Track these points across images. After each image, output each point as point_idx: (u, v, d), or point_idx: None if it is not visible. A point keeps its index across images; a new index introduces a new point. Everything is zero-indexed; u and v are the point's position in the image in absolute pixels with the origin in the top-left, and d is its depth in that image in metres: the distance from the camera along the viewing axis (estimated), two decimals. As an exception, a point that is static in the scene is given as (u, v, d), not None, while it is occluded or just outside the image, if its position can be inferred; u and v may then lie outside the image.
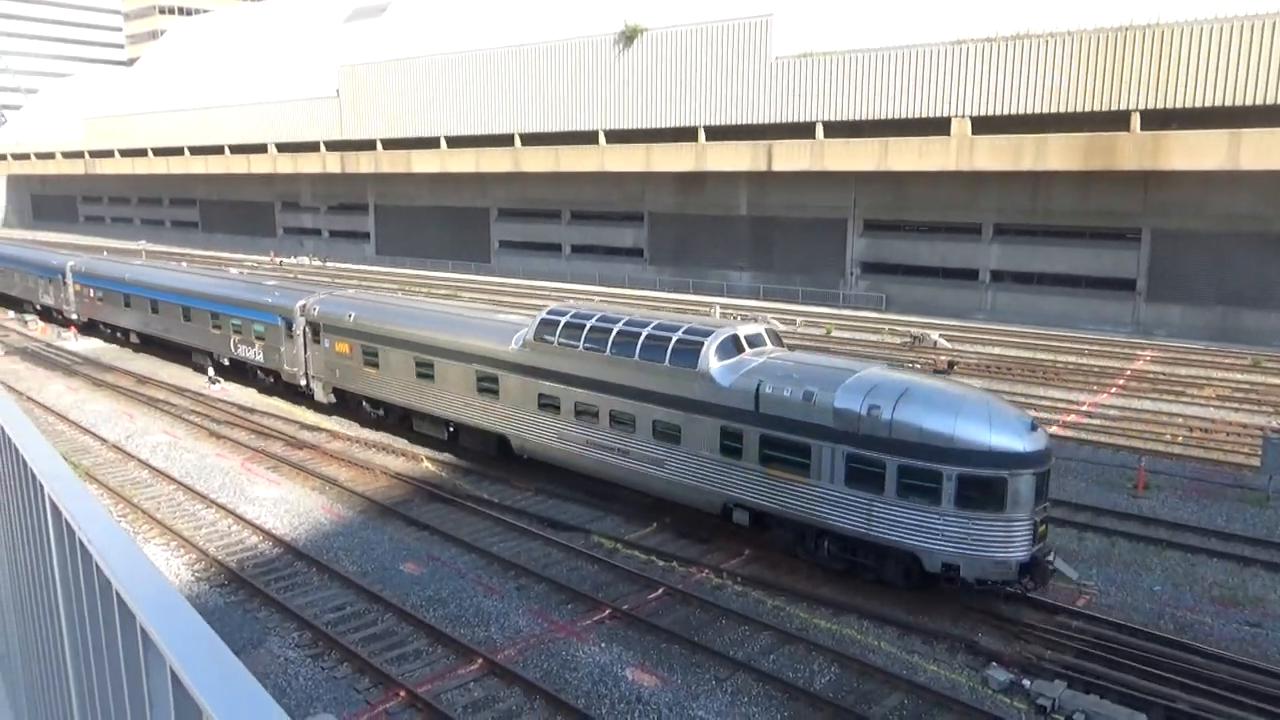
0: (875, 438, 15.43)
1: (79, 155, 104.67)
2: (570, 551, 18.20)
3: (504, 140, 64.09)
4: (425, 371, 24.49)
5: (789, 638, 14.66)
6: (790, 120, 50.87)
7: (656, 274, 60.10)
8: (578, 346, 20.35)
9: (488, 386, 22.69)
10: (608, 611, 15.49)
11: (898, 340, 41.30)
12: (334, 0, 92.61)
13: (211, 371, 33.47)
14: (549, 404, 21.15)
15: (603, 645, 14.44)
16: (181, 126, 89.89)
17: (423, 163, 69.04)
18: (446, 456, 24.40)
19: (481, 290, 59.21)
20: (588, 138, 59.81)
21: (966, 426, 14.91)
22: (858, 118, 48.57)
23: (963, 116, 45.17)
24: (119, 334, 41.81)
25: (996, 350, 38.80)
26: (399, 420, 26.71)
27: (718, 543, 18.52)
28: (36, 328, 46.41)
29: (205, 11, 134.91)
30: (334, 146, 75.41)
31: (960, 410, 15.18)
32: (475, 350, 22.93)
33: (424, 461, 24.07)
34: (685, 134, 55.34)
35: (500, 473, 22.96)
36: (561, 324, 20.92)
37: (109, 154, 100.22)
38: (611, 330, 19.93)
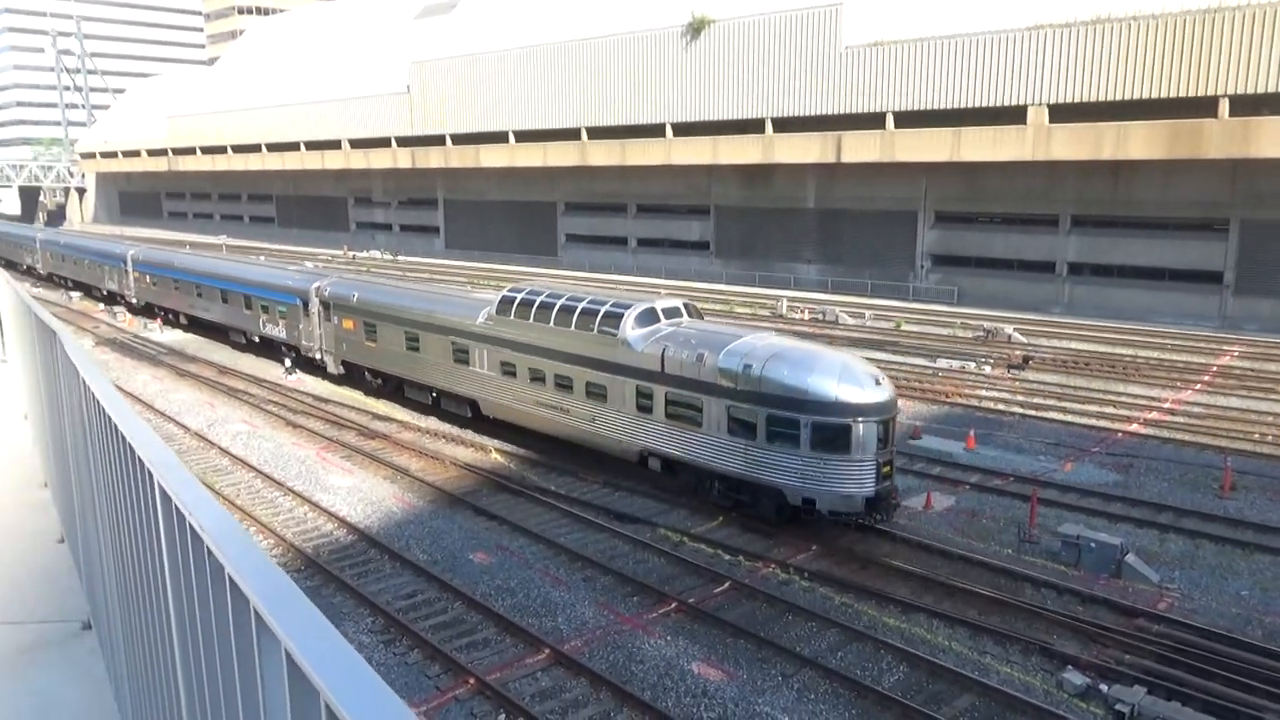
0: (749, 392, 18.12)
1: (162, 153, 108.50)
2: (636, 544, 18.28)
3: (571, 135, 64.46)
4: (413, 344, 27.63)
5: (857, 635, 14.50)
6: (860, 110, 50.12)
7: (723, 267, 59.86)
8: (529, 320, 23.32)
9: (461, 356, 25.75)
10: (674, 605, 15.52)
11: (970, 335, 40.45)
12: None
13: (288, 362, 34.43)
14: (508, 370, 24.10)
15: (669, 638, 14.48)
16: (258, 124, 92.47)
17: (491, 157, 69.85)
18: (513, 448, 24.70)
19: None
20: (654, 131, 59.81)
21: (819, 381, 17.51)
22: (929, 107, 47.63)
23: (1039, 104, 43.95)
24: (168, 314, 45.80)
25: (1074, 345, 37.72)
26: (394, 389, 29.76)
27: (783, 538, 18.41)
28: (124, 319, 48.30)
29: (282, 11, 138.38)
30: (404, 142, 76.77)
31: (814, 368, 17.80)
32: (451, 324, 26.07)
33: (492, 453, 24.41)
34: (752, 126, 54.96)
35: (567, 465, 23.16)
36: (517, 300, 23.97)
37: (190, 151, 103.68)
38: (555, 305, 22.87)
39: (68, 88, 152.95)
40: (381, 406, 29.44)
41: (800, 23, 51.89)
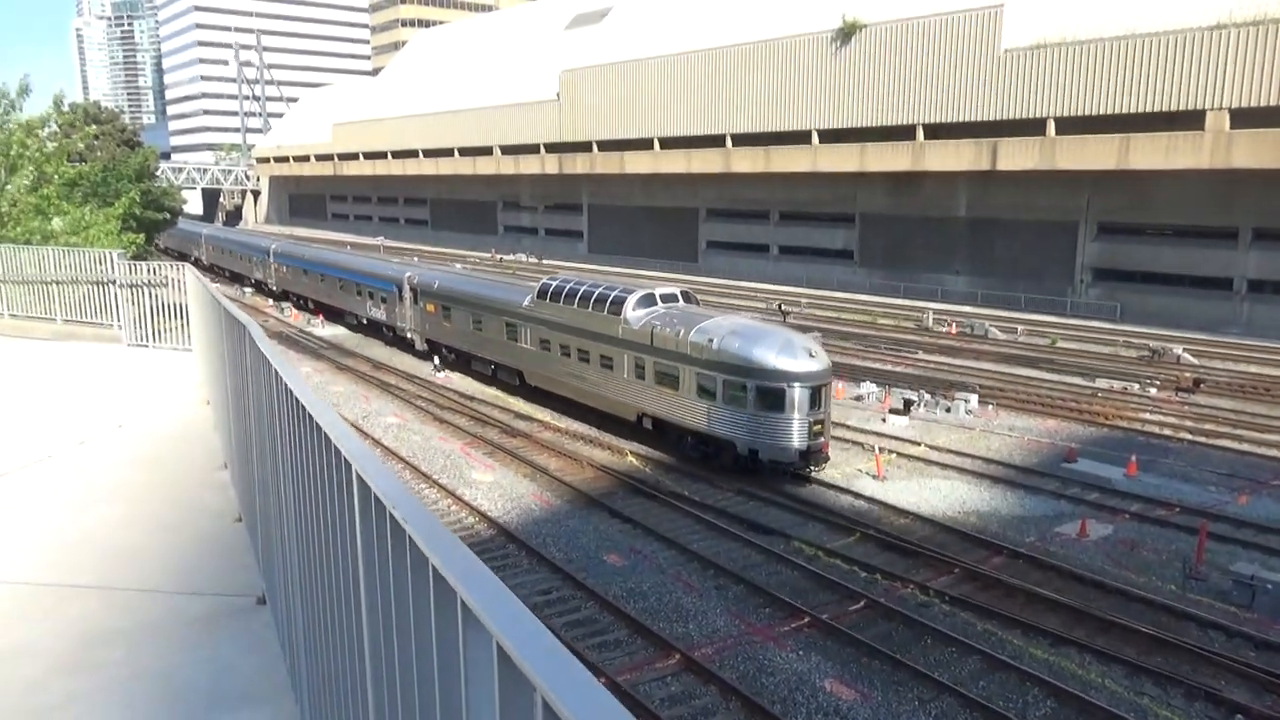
0: (711, 361, 22.06)
1: (328, 158, 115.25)
2: (770, 555, 18.10)
3: (715, 141, 64.54)
4: (477, 324, 32.84)
5: (1000, 664, 13.88)
6: (1018, 116, 48.07)
7: (867, 277, 58.55)
8: (559, 304, 27.83)
9: (511, 334, 30.58)
10: (807, 619, 15.28)
11: (1133, 354, 38.08)
12: (557, 9, 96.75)
13: (436, 360, 35.91)
14: (545, 345, 28.74)
15: (800, 653, 14.27)
16: (416, 130, 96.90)
17: (635, 164, 70.75)
18: (649, 451, 24.92)
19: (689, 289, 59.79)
20: (799, 137, 59.15)
21: (761, 353, 21.35)
22: (1094, 112, 45.17)
23: (1219, 109, 40.95)
24: (297, 299, 52.77)
25: (1253, 369, 34.91)
26: (464, 362, 34.81)
27: (924, 558, 17.83)
28: (291, 314, 51.57)
29: (442, 24, 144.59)
30: (552, 148, 78.76)
31: (759, 342, 21.64)
32: (504, 307, 30.97)
33: (628, 456, 24.70)
34: (901, 132, 53.55)
35: (702, 471, 23.18)
36: (551, 288, 28.59)
37: (354, 157, 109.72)
38: (578, 291, 27.25)
39: (247, 97, 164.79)
40: (523, 406, 30.28)
41: (958, 25, 50.23)
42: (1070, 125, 46.24)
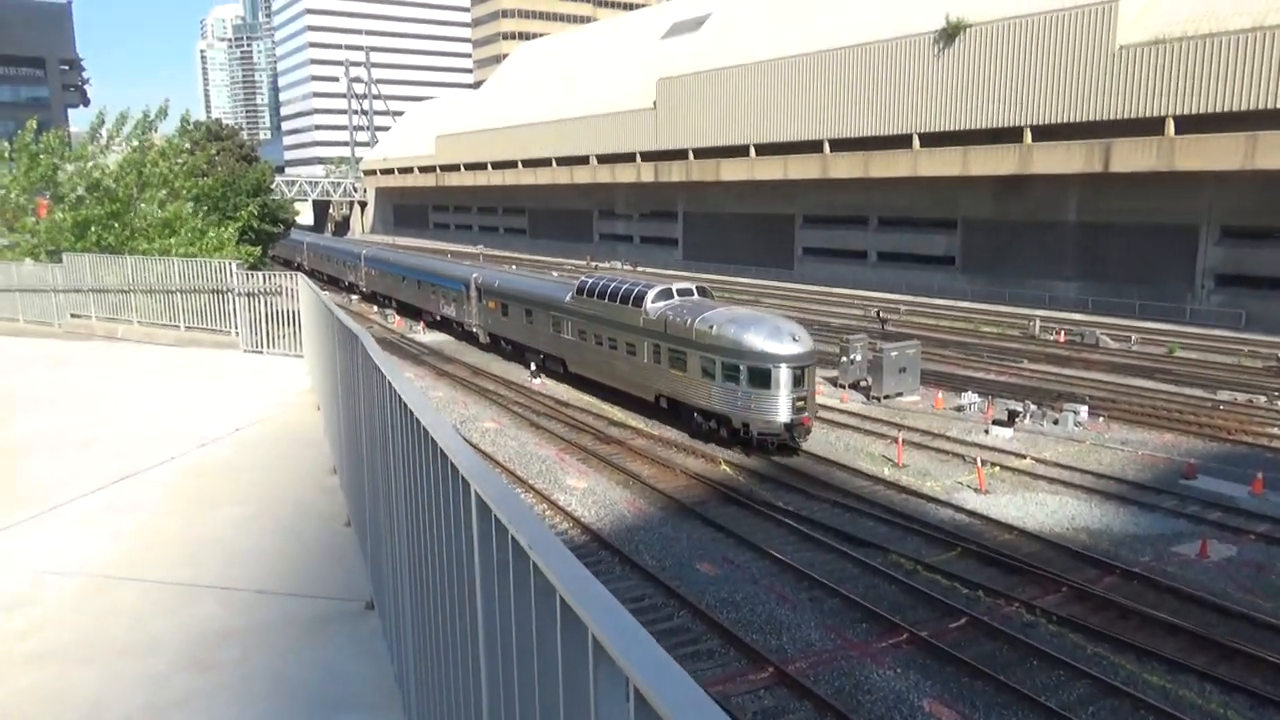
0: (711, 345, 25.22)
1: (431, 169, 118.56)
2: (866, 568, 17.75)
3: (812, 146, 63.85)
4: (529, 318, 36.57)
5: (1111, 690, 13.27)
6: (1133, 115, 46.07)
7: (969, 283, 56.91)
8: (594, 298, 31.39)
9: (556, 327, 34.21)
10: (905, 635, 14.93)
11: (1260, 365, 35.98)
12: (653, 19, 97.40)
13: (533, 366, 36.49)
14: (582, 336, 32.28)
15: (898, 670, 13.95)
16: (515, 141, 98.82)
17: (731, 171, 70.54)
18: (741, 459, 24.78)
19: (783, 296, 59.48)
20: (899, 142, 58.01)
21: (751, 338, 24.43)
22: (1218, 109, 42.92)
23: (1358, 104, 38.38)
24: (387, 303, 56.98)
25: (1394, 382, 32.55)
26: (518, 353, 38.49)
27: (1030, 575, 17.21)
28: (394, 320, 53.21)
29: (542, 35, 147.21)
30: (648, 156, 79.22)
31: (750, 327, 24.75)
32: (550, 302, 34.62)
33: (721, 464, 24.61)
34: (1006, 134, 51.95)
35: (796, 482, 22.93)
36: (588, 285, 32.36)
37: (455, 168, 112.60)
38: (609, 287, 30.87)
39: (356, 111, 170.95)
40: (617, 413, 30.50)
41: (1070, 22, 48.47)
42: (1191, 124, 44.07)
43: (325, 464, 8.67)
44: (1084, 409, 27.96)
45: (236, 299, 17.18)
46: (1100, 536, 19.30)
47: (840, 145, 61.92)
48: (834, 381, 33.32)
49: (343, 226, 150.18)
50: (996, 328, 46.41)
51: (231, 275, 17.48)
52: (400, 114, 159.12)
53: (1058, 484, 22.56)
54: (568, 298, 33.24)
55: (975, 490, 22.04)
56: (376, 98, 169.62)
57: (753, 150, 68.44)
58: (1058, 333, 43.39)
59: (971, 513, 20.54)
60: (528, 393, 33.86)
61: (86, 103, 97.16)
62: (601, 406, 31.45)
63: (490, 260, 76.94)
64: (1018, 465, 24.03)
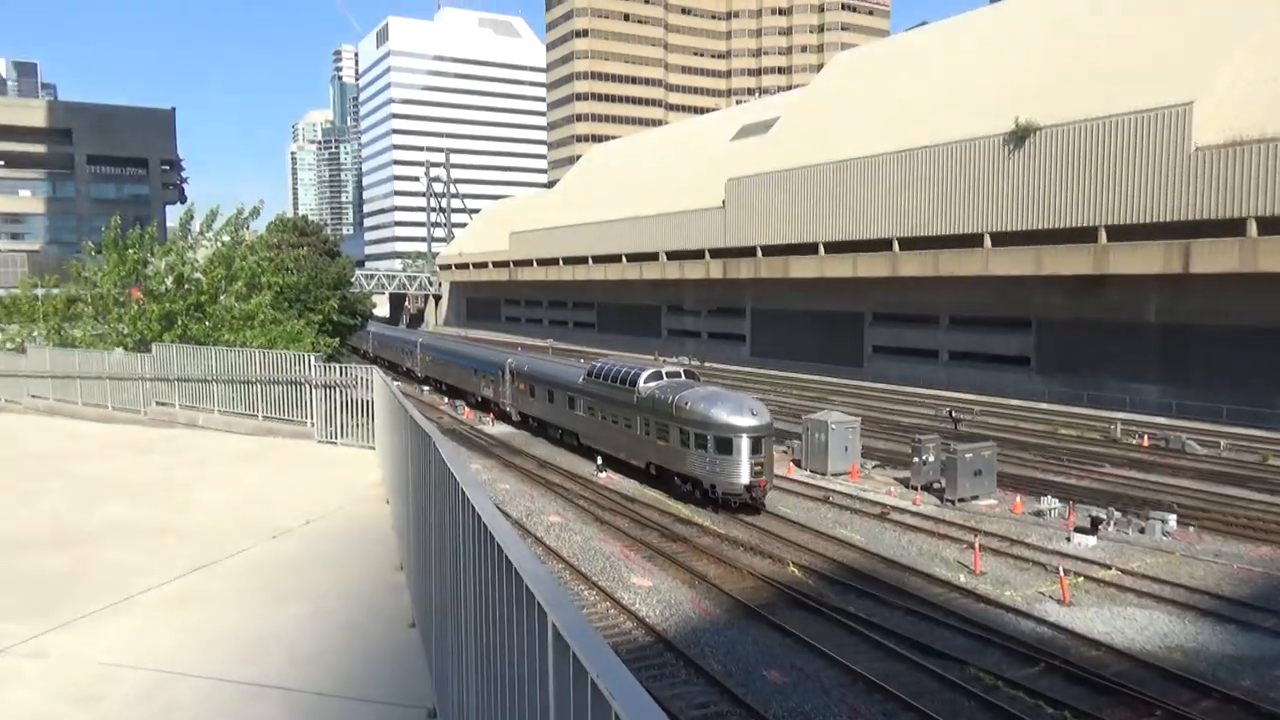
0: (687, 419, 29.60)
1: (505, 264, 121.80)
2: (944, 682, 16.85)
3: (881, 245, 63.91)
4: (549, 398, 41.79)
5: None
6: (1212, 216, 45.16)
7: (1044, 384, 55.50)
8: (599, 380, 36.39)
9: (571, 405, 39.17)
10: (986, 758, 14.02)
11: (1362, 474, 33.99)
12: (723, 122, 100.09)
13: (599, 461, 36.39)
14: (591, 412, 37.13)
15: (980, 797, 13.04)
16: (587, 237, 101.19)
17: (800, 268, 70.87)
18: (809, 561, 24.08)
19: (852, 394, 58.71)
20: (970, 240, 57.72)
21: (717, 412, 28.71)
22: (1303, 210, 41.80)
23: None
24: (439, 386, 62.66)
25: None
26: (542, 429, 43.88)
27: (1121, 695, 16.12)
28: (464, 412, 53.90)
29: (615, 138, 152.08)
30: (717, 254, 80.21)
31: (716, 403, 29.05)
32: (566, 384, 39.96)
33: (790, 566, 23.93)
34: (1081, 234, 51.31)
35: (868, 586, 22.12)
36: (593, 369, 37.63)
37: (528, 263, 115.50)
38: (613, 371, 35.79)
39: (434, 209, 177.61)
40: (685, 510, 30.08)
41: (1144, 126, 48.20)
42: (1272, 225, 42.97)
43: (392, 560, 8.62)
44: (1172, 518, 26.62)
45: (313, 390, 17.59)
46: (1196, 656, 18.09)
47: (910, 244, 61.86)
48: (906, 483, 32.45)
49: (417, 319, 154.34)
50: (1075, 430, 44.95)
51: (309, 366, 17.96)
52: (476, 211, 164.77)
53: (1147, 597, 21.34)
54: (580, 380, 38.24)
55: (1058, 602, 20.96)
56: (454, 196, 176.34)
57: (821, 248, 68.78)
58: (1141, 436, 41.80)
59: (1055, 626, 19.49)
60: (593, 487, 33.69)
61: (184, 200, 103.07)
62: (667, 503, 31.07)
63: (559, 354, 77.99)
64: (1103, 576, 22.85)
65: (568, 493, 32.75)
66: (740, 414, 28.30)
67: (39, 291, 34.56)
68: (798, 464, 35.28)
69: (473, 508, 3.01)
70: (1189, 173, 46.18)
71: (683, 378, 33.53)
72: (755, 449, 27.93)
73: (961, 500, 29.85)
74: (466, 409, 54.45)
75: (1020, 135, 54.08)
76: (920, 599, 21.14)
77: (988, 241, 56.61)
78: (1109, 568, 23.41)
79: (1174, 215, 46.86)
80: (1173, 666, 17.40)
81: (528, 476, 35.81)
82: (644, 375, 33.19)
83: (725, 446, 28.10)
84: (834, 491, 31.69)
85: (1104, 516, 27.12)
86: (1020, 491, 31.05)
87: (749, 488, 27.98)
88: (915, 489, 31.55)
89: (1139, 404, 50.06)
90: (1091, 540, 25.50)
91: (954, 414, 44.37)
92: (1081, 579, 22.56)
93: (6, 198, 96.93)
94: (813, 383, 64.79)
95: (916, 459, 31.94)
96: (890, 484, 33.16)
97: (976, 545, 24.44)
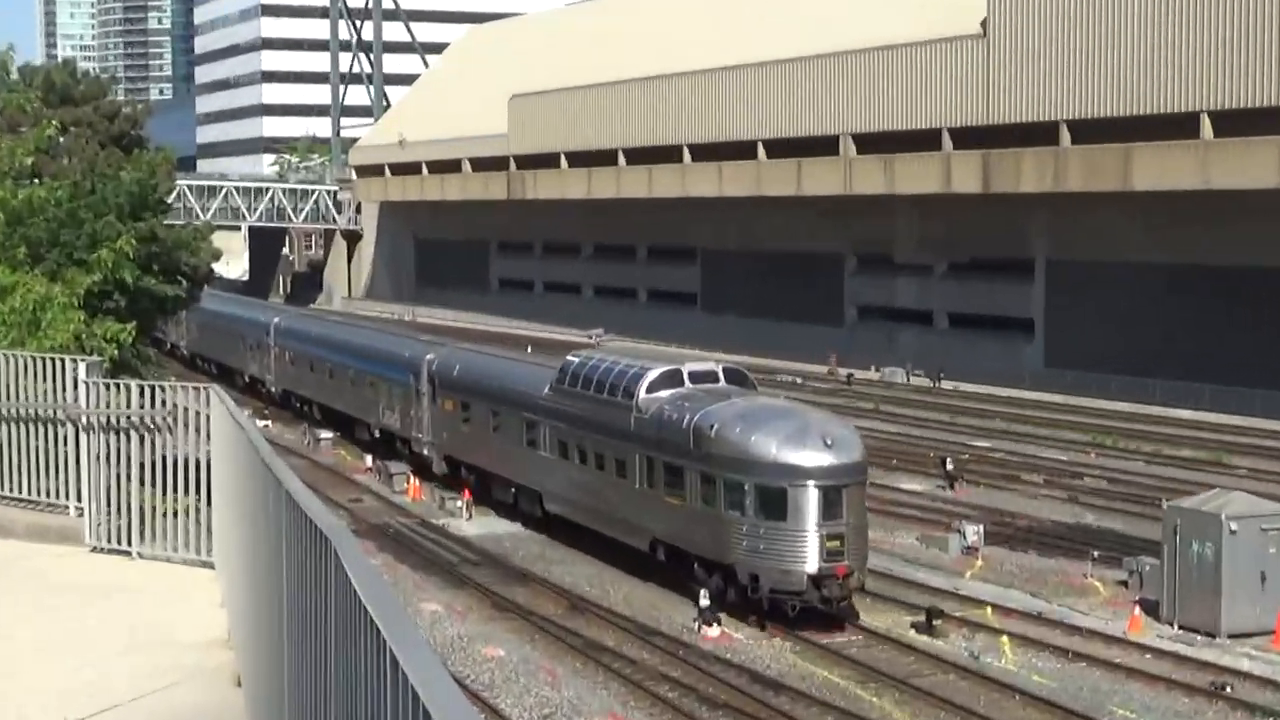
0: (713, 456, 33.27)
1: (498, 162, 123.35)
2: None
3: None
4: (494, 425, 51.07)
5: None
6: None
7: None
8: (578, 390, 43.12)
9: (526, 437, 47.88)
10: None
11: None
12: None
13: (704, 600, 35.84)
14: (561, 450, 44.65)
15: None
16: (699, 102, 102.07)
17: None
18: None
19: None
20: None
21: (762, 441, 31.93)
22: None
23: None
24: (307, 408, 69.72)
25: None
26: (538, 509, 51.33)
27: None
28: (406, 489, 54.30)
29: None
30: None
31: (759, 426, 32.66)
32: (519, 398, 48.60)
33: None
34: None
35: None
36: (571, 369, 45.08)
37: (551, 160, 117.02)
38: (597, 371, 42.39)
39: (349, 45, 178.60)
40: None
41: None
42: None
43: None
44: None
45: (82, 435, 17.49)
46: None
47: None
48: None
49: (310, 283, 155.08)
50: None
51: (71, 386, 17.73)
52: (438, 51, 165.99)
53: None
54: (546, 390, 45.30)
55: None
56: (390, 17, 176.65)
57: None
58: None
59: None
60: (690, 654, 33.49)
61: None
62: (832, 687, 30.98)
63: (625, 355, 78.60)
64: None
65: (634, 668, 32.70)
66: (802, 444, 30.07)
67: None
68: (1151, 611, 34.81)
69: (405, 675, 3.05)
70: None
71: (721, 382, 36.07)
72: (830, 507, 29.63)
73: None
74: (411, 483, 54.81)
75: None
76: None
77: None
78: None
79: None
80: None
81: (539, 631, 35.81)
82: (649, 378, 35.99)
83: (775, 503, 29.86)
84: (1236, 674, 31.72)
85: None
86: None
87: (818, 580, 29.38)
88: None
89: None
90: None
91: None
92: None
93: None
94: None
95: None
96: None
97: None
